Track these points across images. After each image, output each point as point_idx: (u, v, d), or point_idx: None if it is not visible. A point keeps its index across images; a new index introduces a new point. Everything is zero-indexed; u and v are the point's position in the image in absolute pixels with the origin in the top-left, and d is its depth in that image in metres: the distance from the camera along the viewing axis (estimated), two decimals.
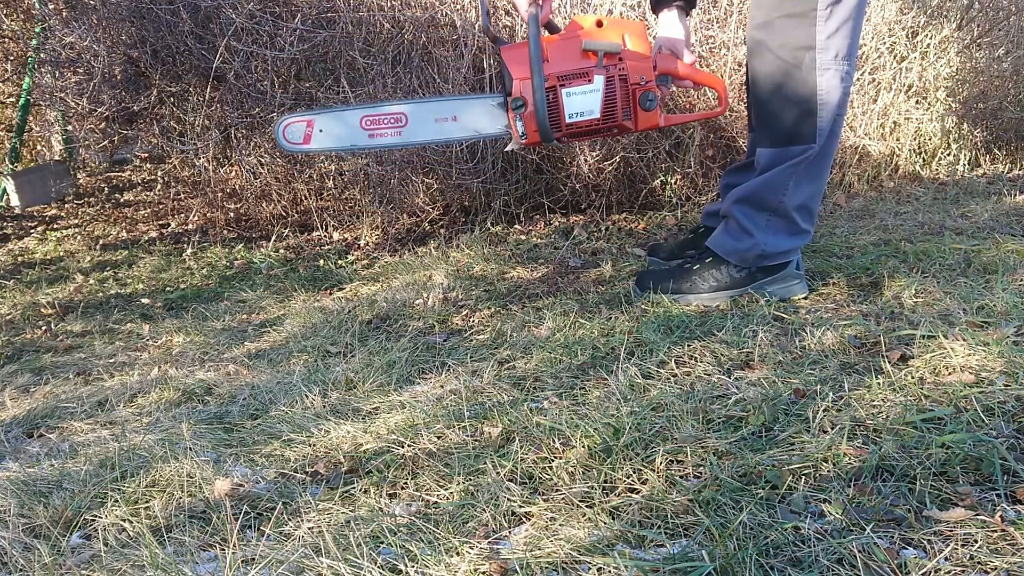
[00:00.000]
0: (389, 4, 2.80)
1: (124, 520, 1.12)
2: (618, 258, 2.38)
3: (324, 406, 1.50)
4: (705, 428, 1.22)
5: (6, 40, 3.97)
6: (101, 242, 3.44)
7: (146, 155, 4.60)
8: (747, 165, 1.90)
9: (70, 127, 4.03)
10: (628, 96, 1.80)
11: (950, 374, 1.29)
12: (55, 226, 3.78)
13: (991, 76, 3.15)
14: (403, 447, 1.26)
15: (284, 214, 3.26)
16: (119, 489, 1.20)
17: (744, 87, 2.83)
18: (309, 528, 1.05)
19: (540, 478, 1.13)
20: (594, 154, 2.73)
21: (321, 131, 1.94)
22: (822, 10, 1.63)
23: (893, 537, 0.91)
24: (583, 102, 1.78)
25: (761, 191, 1.78)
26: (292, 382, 1.64)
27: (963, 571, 0.85)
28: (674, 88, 1.96)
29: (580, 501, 1.05)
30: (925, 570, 0.85)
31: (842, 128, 1.83)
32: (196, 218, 3.47)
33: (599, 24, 1.79)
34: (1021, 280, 1.72)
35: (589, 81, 1.77)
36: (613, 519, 1.01)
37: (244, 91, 2.88)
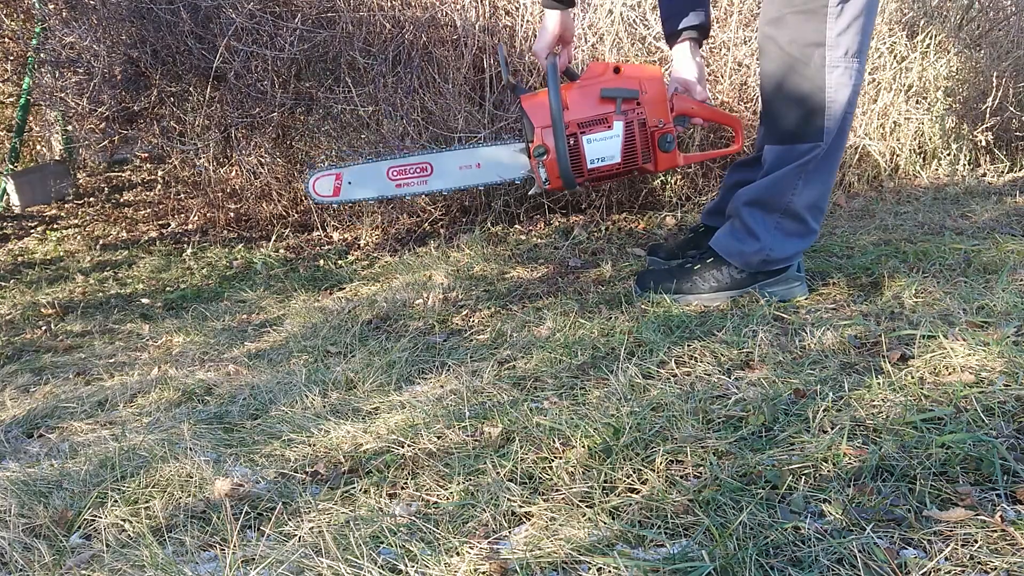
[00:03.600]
0: (389, 4, 2.80)
1: (124, 520, 1.12)
2: (618, 258, 2.38)
3: (324, 406, 1.50)
4: (705, 428, 1.22)
5: (6, 40, 3.96)
6: (101, 242, 3.44)
7: (146, 155, 4.60)
8: (754, 160, 1.89)
9: (70, 127, 4.03)
10: (647, 139, 1.84)
11: (950, 374, 1.29)
12: (55, 226, 3.78)
13: (991, 76, 3.15)
14: (403, 447, 1.26)
15: (284, 214, 3.26)
16: (119, 489, 1.20)
17: (743, 87, 2.83)
18: (309, 528, 1.05)
19: (540, 478, 1.13)
20: None
21: (350, 183, 2.02)
22: (833, 7, 1.62)
23: (893, 537, 0.91)
24: (604, 148, 1.82)
25: (769, 192, 1.77)
26: (292, 382, 1.64)
27: (963, 571, 0.85)
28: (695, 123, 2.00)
29: (580, 501, 1.05)
30: (925, 570, 0.85)
31: (850, 126, 1.82)
32: (196, 218, 3.47)
33: (617, 70, 1.82)
34: (1021, 280, 1.72)
35: (609, 127, 1.81)
36: (613, 519, 1.01)
37: (244, 91, 2.88)
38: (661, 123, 1.83)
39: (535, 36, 2.76)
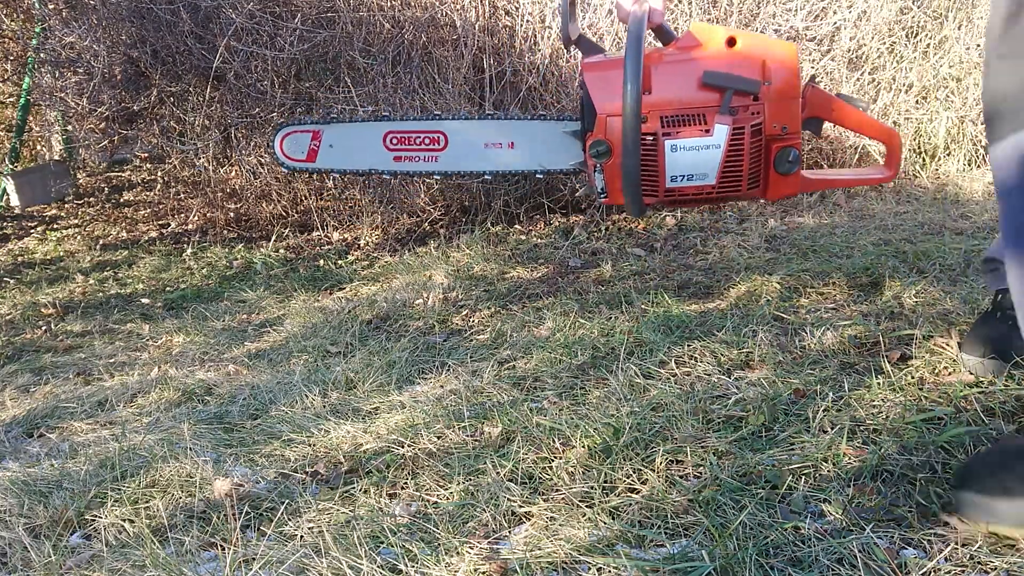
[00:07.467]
0: (389, 4, 2.80)
1: (124, 520, 1.12)
2: (618, 258, 2.38)
3: (324, 406, 1.50)
4: (705, 428, 1.22)
5: (6, 40, 3.97)
6: (101, 242, 3.44)
7: (146, 155, 4.60)
8: None
9: (70, 127, 4.03)
10: (760, 154, 1.28)
11: (950, 374, 1.29)
12: (55, 226, 3.78)
13: None
14: (403, 447, 1.26)
15: (284, 214, 3.26)
16: (119, 489, 1.20)
17: None
18: (309, 528, 1.05)
19: (540, 478, 1.13)
20: None
21: (331, 146, 1.58)
22: None
23: (893, 537, 0.91)
24: (695, 161, 1.25)
25: None
26: (292, 382, 1.64)
27: (963, 571, 0.85)
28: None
29: (580, 501, 1.05)
30: (925, 570, 0.85)
31: None
32: (196, 218, 3.47)
33: (731, 42, 1.26)
34: None
35: (707, 132, 1.24)
36: (613, 519, 1.01)
37: (244, 91, 2.88)
38: (784, 130, 1.27)
39: (535, 36, 2.77)
